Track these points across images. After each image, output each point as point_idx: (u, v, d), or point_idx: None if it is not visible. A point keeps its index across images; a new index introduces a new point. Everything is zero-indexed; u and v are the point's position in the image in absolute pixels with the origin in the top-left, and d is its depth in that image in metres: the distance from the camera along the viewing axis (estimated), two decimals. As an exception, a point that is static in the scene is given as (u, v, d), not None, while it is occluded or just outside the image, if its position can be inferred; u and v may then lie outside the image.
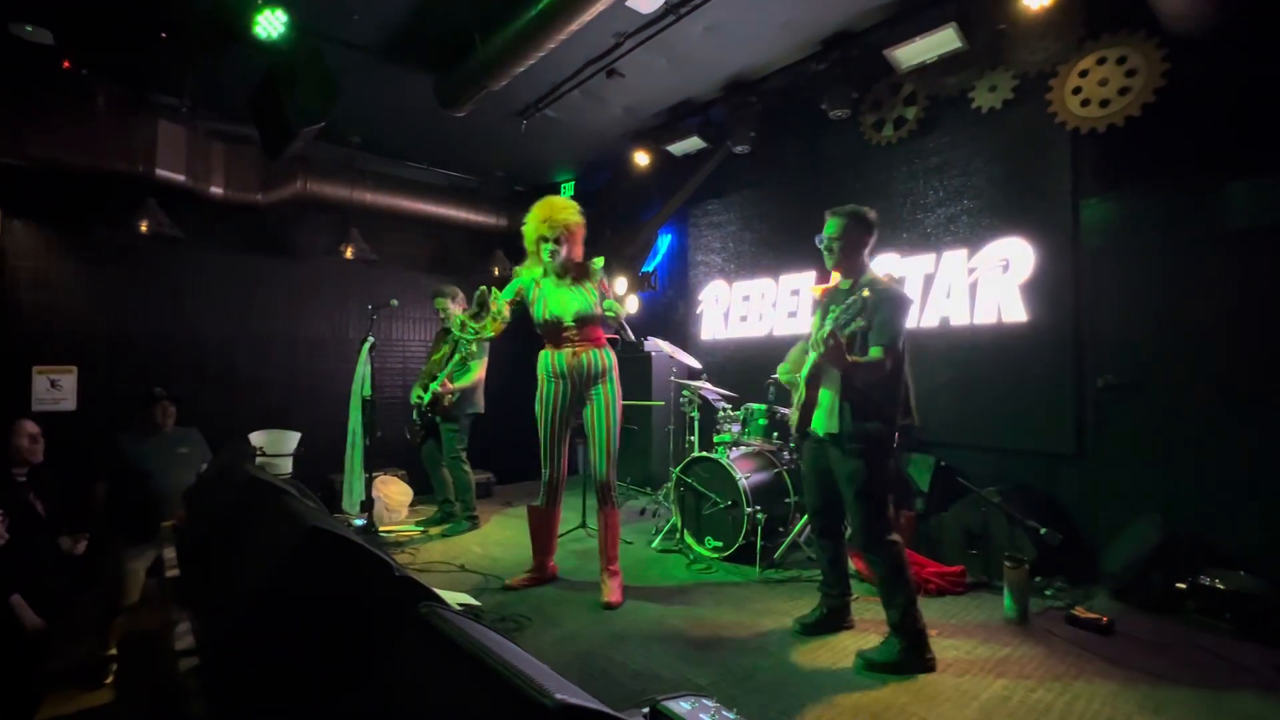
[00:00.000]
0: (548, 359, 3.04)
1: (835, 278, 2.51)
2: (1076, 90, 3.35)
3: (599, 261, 3.06)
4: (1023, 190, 3.63)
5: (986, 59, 3.73)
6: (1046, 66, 3.49)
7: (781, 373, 3.02)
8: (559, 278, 3.03)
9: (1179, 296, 3.12)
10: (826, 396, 2.39)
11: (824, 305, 2.50)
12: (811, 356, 2.41)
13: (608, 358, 3.05)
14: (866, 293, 2.25)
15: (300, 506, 1.49)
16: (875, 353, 2.28)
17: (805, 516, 3.45)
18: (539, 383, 3.07)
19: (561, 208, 2.99)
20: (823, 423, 2.41)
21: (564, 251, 2.98)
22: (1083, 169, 3.43)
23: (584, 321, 3.00)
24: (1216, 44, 2.98)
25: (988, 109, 3.74)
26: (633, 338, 3.28)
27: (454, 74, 4.02)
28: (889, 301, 2.29)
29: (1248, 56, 2.93)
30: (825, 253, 2.46)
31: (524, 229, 3.02)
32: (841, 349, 2.17)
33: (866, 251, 2.45)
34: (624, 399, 3.24)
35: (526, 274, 3.06)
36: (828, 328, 2.15)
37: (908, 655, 2.33)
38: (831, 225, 2.45)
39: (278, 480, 1.89)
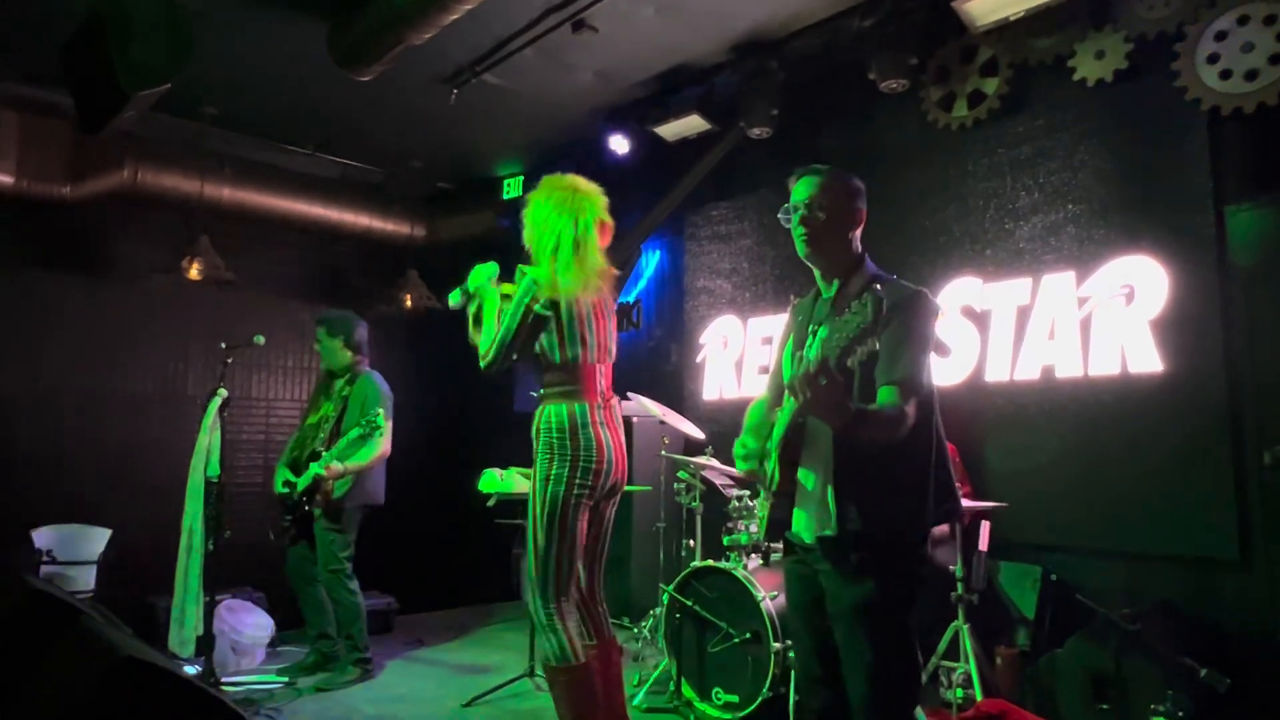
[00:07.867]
0: None
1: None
2: (1213, 59, 3.54)
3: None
4: (1147, 191, 3.77)
5: (1089, 15, 3.92)
6: (1169, 26, 3.69)
7: (740, 452, 2.33)
8: None
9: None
10: (811, 478, 2.12)
11: (798, 326, 2.31)
12: (784, 413, 2.12)
13: (539, 416, 2.98)
14: (869, 294, 2.00)
15: (109, 632, 1.43)
16: (887, 395, 2.00)
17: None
18: None
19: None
20: (808, 522, 2.13)
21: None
22: (1226, 163, 3.58)
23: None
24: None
25: (1094, 81, 3.91)
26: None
27: (357, 20, 4.10)
28: (908, 305, 2.00)
29: None
30: (800, 234, 2.23)
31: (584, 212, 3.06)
32: (840, 393, 1.84)
33: (858, 235, 2.26)
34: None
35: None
36: (812, 358, 1.82)
37: None
38: (809, 185, 2.23)
39: (74, 598, 1.82)
